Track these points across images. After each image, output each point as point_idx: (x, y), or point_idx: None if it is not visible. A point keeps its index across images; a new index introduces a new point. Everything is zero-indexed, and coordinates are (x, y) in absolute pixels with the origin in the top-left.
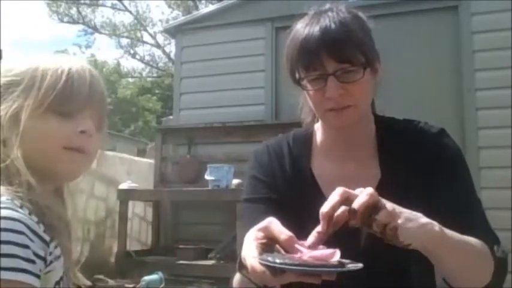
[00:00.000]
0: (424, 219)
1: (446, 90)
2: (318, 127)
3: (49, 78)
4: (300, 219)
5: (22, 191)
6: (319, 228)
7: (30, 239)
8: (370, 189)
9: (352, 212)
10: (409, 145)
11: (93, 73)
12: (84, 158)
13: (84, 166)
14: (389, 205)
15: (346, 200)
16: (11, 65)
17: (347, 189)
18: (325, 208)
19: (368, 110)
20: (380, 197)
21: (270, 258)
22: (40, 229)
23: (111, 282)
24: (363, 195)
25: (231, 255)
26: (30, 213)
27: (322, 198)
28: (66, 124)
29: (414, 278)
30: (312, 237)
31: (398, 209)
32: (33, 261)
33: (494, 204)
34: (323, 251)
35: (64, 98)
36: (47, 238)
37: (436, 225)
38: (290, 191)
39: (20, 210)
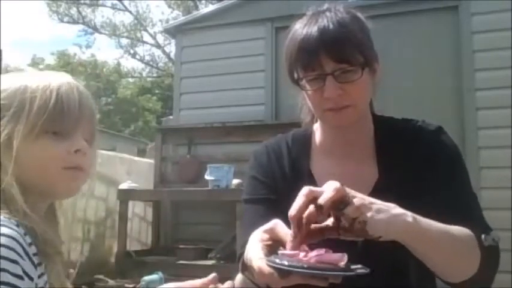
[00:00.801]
0: (396, 210)
1: (446, 90)
2: (317, 127)
3: (38, 100)
4: None
5: (18, 216)
6: (291, 232)
7: (21, 256)
8: (336, 184)
9: (318, 207)
10: (408, 144)
11: (80, 89)
12: (82, 175)
13: (82, 183)
14: (357, 199)
15: (314, 199)
16: None
17: (313, 188)
18: (292, 211)
19: (367, 110)
20: (348, 191)
21: (277, 260)
22: (31, 251)
23: (111, 282)
24: (328, 190)
25: (231, 255)
26: (25, 234)
27: None
28: (60, 145)
29: (414, 279)
30: (289, 243)
31: (368, 200)
32: (21, 277)
33: (494, 204)
34: (331, 255)
35: (55, 118)
36: (36, 261)
37: (409, 216)
38: (289, 191)
39: (15, 228)
